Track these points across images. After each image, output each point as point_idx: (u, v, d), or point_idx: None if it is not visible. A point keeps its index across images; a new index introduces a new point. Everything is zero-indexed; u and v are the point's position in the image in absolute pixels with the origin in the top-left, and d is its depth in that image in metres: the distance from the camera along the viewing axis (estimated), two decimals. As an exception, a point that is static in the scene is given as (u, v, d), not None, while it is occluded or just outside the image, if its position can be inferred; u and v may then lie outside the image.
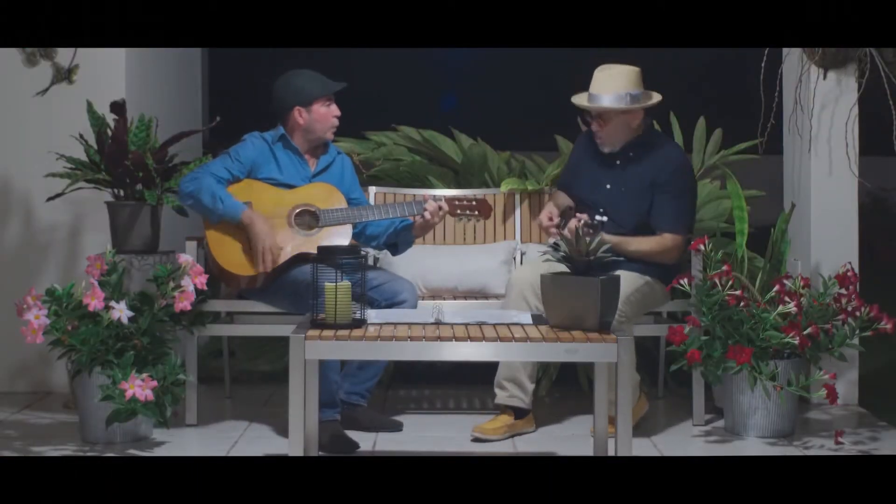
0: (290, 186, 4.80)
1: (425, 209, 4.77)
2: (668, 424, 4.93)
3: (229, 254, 4.69)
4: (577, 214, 4.56)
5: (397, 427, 4.81)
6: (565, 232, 4.48)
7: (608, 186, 4.81)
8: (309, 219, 4.75)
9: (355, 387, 4.81)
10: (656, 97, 4.80)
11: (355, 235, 4.89)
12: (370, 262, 5.10)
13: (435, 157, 5.92)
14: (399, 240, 4.91)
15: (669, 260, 4.76)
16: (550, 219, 4.73)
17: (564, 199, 4.96)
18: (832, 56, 5.23)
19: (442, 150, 5.88)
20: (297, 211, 4.75)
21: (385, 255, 5.15)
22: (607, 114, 4.73)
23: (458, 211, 4.84)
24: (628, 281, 4.60)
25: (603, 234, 4.45)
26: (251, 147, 4.82)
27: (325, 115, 4.83)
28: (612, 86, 4.71)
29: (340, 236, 4.74)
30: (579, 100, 4.80)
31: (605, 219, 4.65)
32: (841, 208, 5.29)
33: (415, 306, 4.75)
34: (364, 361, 4.75)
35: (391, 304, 4.69)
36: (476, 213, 4.85)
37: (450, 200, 4.83)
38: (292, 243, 4.70)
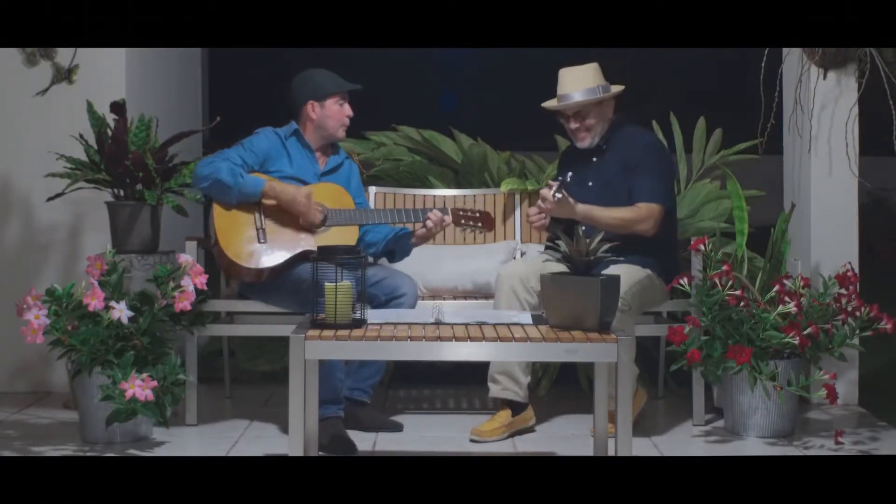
0: (300, 181, 4.80)
1: (428, 218, 4.79)
2: (668, 424, 4.93)
3: (237, 246, 4.69)
4: (550, 182, 4.66)
5: (398, 428, 4.81)
6: (539, 202, 4.62)
7: (590, 184, 4.84)
8: None
9: (358, 383, 4.81)
10: (619, 86, 4.85)
11: None
12: (370, 261, 5.10)
13: (435, 157, 5.92)
14: (397, 247, 4.93)
15: (645, 230, 4.72)
16: (539, 212, 4.74)
17: None
18: (832, 56, 5.24)
19: (442, 150, 5.88)
20: None
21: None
22: (585, 109, 4.79)
23: (463, 222, 4.88)
24: (629, 273, 4.62)
25: (572, 199, 4.59)
26: (264, 140, 4.85)
27: (338, 112, 4.86)
28: (581, 83, 4.78)
29: (347, 236, 4.74)
30: (551, 104, 4.84)
31: (570, 174, 4.76)
32: (841, 208, 5.29)
33: (415, 300, 4.77)
34: None
35: (391, 299, 4.70)
36: (479, 224, 4.89)
37: (454, 211, 4.87)
38: (298, 241, 4.71)
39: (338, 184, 4.89)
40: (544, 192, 4.61)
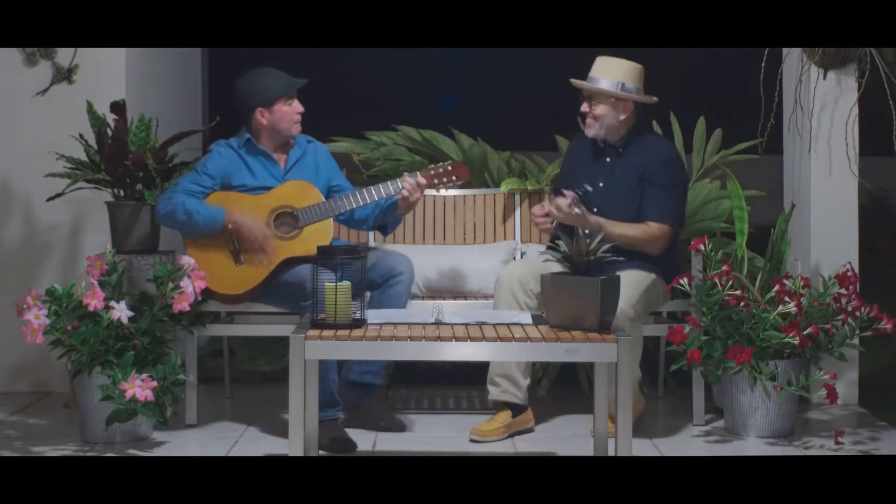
0: (266, 189, 4.76)
1: (403, 188, 4.73)
2: (668, 424, 4.93)
3: (213, 274, 4.65)
4: (564, 192, 4.62)
5: (402, 427, 4.80)
6: (553, 209, 4.55)
7: (601, 185, 4.83)
8: (288, 220, 4.72)
9: (368, 365, 4.78)
10: (649, 98, 4.82)
11: (344, 222, 4.90)
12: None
13: (435, 157, 5.91)
14: (387, 220, 4.89)
15: (654, 250, 4.73)
16: (543, 208, 4.74)
17: None
18: (832, 56, 5.24)
19: (442, 150, 5.88)
20: (275, 214, 4.72)
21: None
22: (597, 97, 4.79)
23: (436, 181, 4.78)
24: (636, 279, 4.62)
25: (587, 212, 4.57)
26: (218, 157, 4.79)
27: (288, 113, 4.78)
28: (609, 72, 4.78)
29: (322, 234, 4.69)
30: (578, 81, 4.85)
31: (590, 188, 4.72)
32: (841, 208, 5.29)
33: (412, 278, 4.76)
34: None
35: (388, 279, 4.69)
36: (454, 177, 4.80)
37: (426, 174, 4.78)
38: (276, 252, 4.68)
39: (304, 177, 4.81)
40: (560, 201, 4.57)
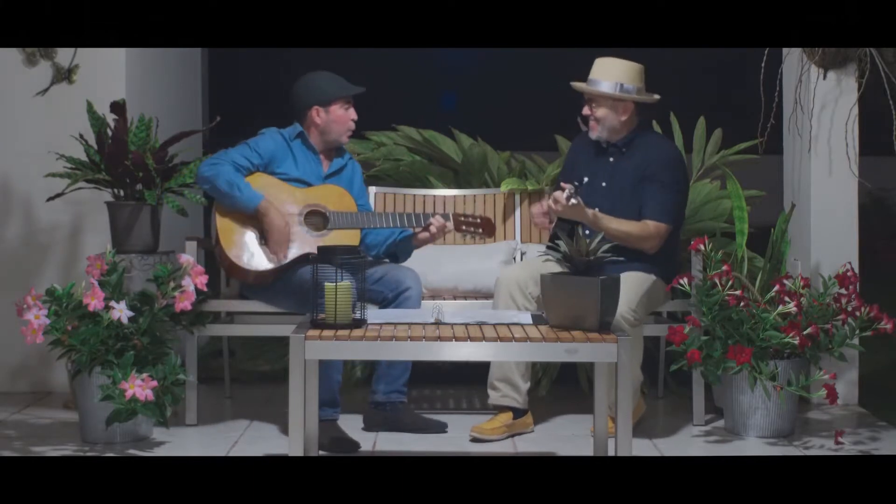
0: (304, 183, 4.81)
1: (431, 223, 4.79)
2: (668, 424, 4.93)
3: (239, 248, 4.69)
4: (562, 184, 4.62)
5: (441, 428, 4.80)
6: (550, 202, 4.55)
7: (604, 184, 4.83)
8: (319, 220, 4.75)
9: (391, 385, 4.80)
10: (650, 96, 4.82)
11: None
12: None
13: (435, 157, 5.92)
14: (398, 250, 4.93)
15: (648, 248, 4.71)
16: (541, 207, 4.74)
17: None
18: (832, 56, 5.24)
19: (442, 150, 5.88)
20: (308, 210, 4.75)
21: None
22: (598, 99, 4.79)
23: (464, 228, 4.86)
24: (637, 281, 4.61)
25: (584, 204, 4.56)
26: (269, 141, 4.84)
27: (343, 117, 4.85)
28: (608, 73, 4.78)
29: (348, 240, 4.74)
30: (578, 83, 4.85)
31: (585, 179, 4.74)
32: (841, 208, 5.29)
33: (420, 293, 4.77)
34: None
35: (398, 295, 4.71)
36: (480, 230, 4.87)
37: (455, 217, 4.85)
38: (300, 243, 4.71)
39: (341, 186, 4.89)
40: (557, 194, 4.56)
